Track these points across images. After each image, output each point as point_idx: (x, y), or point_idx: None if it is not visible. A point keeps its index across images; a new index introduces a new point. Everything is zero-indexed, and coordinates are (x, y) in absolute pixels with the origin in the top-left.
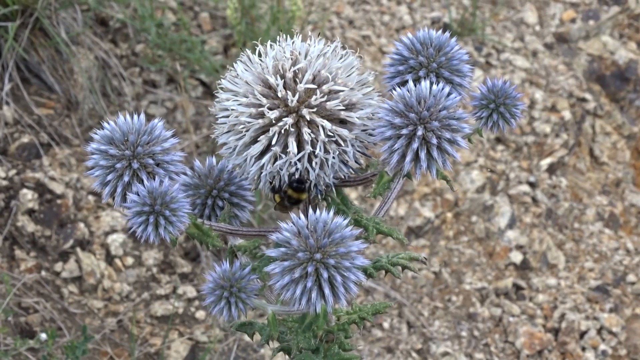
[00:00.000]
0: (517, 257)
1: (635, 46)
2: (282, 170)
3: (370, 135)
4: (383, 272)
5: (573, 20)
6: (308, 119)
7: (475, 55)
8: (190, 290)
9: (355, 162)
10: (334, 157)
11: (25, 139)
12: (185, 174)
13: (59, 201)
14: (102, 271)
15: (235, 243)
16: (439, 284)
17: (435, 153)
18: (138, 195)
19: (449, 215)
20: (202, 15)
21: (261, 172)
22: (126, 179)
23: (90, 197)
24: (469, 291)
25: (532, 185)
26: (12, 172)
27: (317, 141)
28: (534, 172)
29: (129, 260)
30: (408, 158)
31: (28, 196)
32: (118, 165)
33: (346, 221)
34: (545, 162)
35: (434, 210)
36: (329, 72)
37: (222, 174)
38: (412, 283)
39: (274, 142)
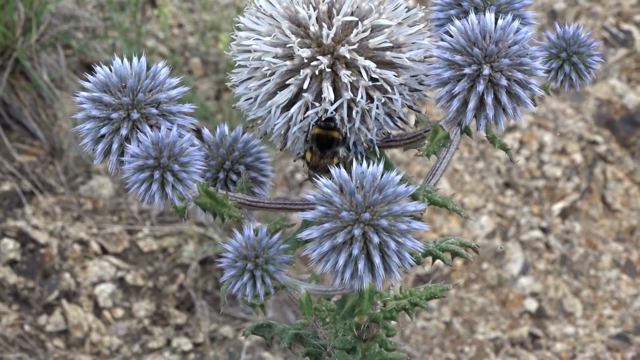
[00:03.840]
0: (531, 304)
1: None
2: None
3: (421, 84)
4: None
5: None
6: (348, 57)
7: None
8: (185, 343)
9: (401, 119)
10: (377, 107)
11: (6, 187)
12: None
13: (42, 251)
14: (89, 324)
15: (253, 227)
16: (450, 335)
17: (504, 98)
18: (139, 147)
19: (459, 262)
20: (193, 60)
21: (288, 128)
22: (124, 132)
23: (77, 246)
24: (482, 341)
25: (544, 230)
26: None
27: (358, 86)
28: (546, 217)
29: (119, 312)
30: (471, 104)
31: (9, 246)
32: (114, 116)
33: (400, 176)
34: (557, 207)
35: None
36: (371, 3)
37: (236, 143)
38: (421, 334)
39: (305, 86)
